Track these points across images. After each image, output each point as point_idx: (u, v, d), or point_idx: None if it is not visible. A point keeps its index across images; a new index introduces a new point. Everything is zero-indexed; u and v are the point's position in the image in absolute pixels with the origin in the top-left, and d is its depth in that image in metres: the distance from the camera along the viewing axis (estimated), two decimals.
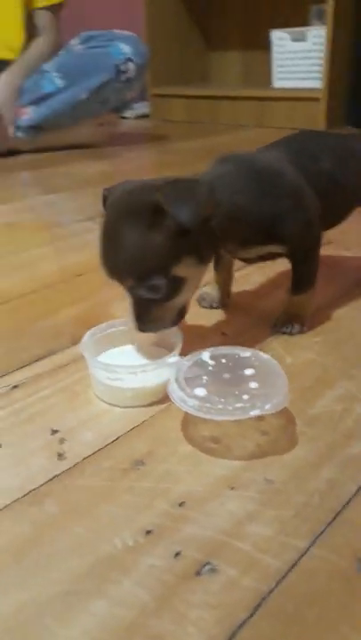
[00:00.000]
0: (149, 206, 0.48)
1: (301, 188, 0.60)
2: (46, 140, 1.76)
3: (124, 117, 2.55)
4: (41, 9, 1.73)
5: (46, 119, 1.70)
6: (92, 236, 1.04)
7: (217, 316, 0.71)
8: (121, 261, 0.50)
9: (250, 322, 0.69)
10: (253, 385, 0.46)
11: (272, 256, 0.64)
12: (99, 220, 1.00)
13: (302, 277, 0.64)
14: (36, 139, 1.75)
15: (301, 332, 0.65)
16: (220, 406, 0.44)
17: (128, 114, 2.55)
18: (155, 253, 0.49)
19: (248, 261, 0.65)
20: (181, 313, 0.55)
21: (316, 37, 2.21)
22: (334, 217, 0.69)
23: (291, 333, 0.65)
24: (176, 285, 0.51)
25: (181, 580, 0.35)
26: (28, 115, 1.69)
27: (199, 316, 0.71)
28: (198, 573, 0.36)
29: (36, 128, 1.72)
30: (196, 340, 0.63)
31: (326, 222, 0.67)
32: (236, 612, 0.33)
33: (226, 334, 0.66)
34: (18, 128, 1.71)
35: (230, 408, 0.43)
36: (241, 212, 0.55)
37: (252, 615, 0.33)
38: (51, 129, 1.74)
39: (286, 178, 0.59)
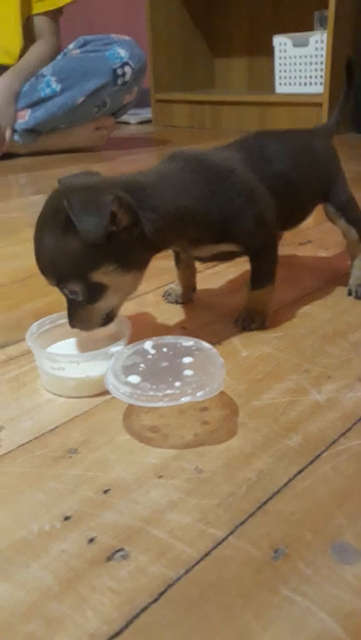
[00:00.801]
0: (62, 212, 0.47)
1: (252, 186, 0.59)
2: (43, 144, 1.78)
3: (126, 123, 2.57)
4: (39, 14, 1.76)
5: (43, 123, 1.72)
6: None
7: (181, 311, 0.71)
8: (43, 263, 0.51)
9: (212, 317, 0.69)
10: (189, 373, 0.45)
11: (229, 255, 0.63)
12: None
13: (259, 274, 0.64)
14: (32, 142, 1.76)
15: (262, 327, 0.65)
16: (150, 393, 0.43)
17: (131, 119, 2.57)
18: (69, 259, 0.49)
19: (203, 260, 0.65)
20: (110, 316, 0.54)
21: (318, 42, 2.20)
22: (293, 216, 0.68)
23: (251, 329, 0.64)
24: (96, 291, 0.51)
25: (90, 565, 0.35)
26: (25, 118, 1.71)
27: (163, 311, 0.71)
28: (109, 559, 0.35)
29: (32, 131, 1.74)
30: (155, 334, 0.62)
31: (285, 222, 0.67)
32: (138, 598, 0.33)
33: (186, 329, 0.66)
34: (15, 132, 1.73)
35: (160, 395, 0.43)
36: (186, 212, 0.54)
37: (155, 601, 0.33)
38: (48, 132, 1.76)
39: (236, 176, 0.58)
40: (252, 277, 0.64)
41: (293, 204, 0.66)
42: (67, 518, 0.38)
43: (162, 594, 0.33)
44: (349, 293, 0.73)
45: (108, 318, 0.54)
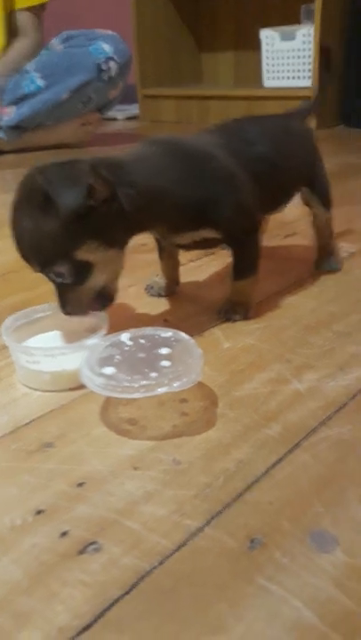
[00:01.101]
0: (38, 191, 0.47)
1: (233, 171, 0.58)
2: (29, 140, 1.76)
3: (114, 119, 2.56)
4: (22, 10, 1.74)
5: (28, 119, 1.70)
6: None
7: (163, 304, 0.70)
8: (25, 248, 0.50)
9: (195, 309, 0.68)
10: (166, 364, 0.45)
11: (211, 243, 0.62)
12: None
13: (242, 263, 0.63)
14: (18, 139, 1.75)
15: (245, 318, 0.64)
16: (125, 384, 0.42)
17: (118, 115, 2.56)
18: (52, 239, 0.48)
19: (186, 248, 0.64)
20: (105, 296, 0.53)
21: (306, 36, 2.20)
22: (275, 200, 0.68)
23: (234, 320, 0.64)
24: (83, 270, 0.50)
25: (62, 558, 0.34)
26: (10, 115, 1.70)
27: (145, 304, 0.70)
28: (81, 552, 0.35)
29: (17, 128, 1.72)
30: (137, 326, 0.61)
31: (267, 206, 0.66)
32: (110, 591, 0.32)
33: (168, 321, 0.65)
34: (0, 129, 1.71)
35: (136, 385, 0.42)
36: (163, 195, 0.54)
37: (127, 593, 0.32)
38: (33, 129, 1.74)
39: (216, 161, 0.57)
40: (234, 268, 0.63)
41: (277, 187, 0.66)
42: (39, 512, 0.38)
43: (134, 586, 0.32)
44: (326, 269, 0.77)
45: (104, 299, 0.53)
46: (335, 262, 0.77)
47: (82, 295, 0.52)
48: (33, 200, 0.48)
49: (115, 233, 0.51)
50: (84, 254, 0.49)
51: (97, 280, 0.52)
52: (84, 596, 0.32)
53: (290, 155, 0.66)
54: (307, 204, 0.73)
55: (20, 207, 0.49)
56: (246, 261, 0.63)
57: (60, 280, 0.51)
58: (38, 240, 0.49)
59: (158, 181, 0.53)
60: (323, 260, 0.77)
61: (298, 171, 0.68)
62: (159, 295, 0.72)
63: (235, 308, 0.64)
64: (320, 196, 0.72)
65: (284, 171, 0.65)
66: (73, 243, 0.48)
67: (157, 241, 0.68)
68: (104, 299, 0.53)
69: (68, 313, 0.53)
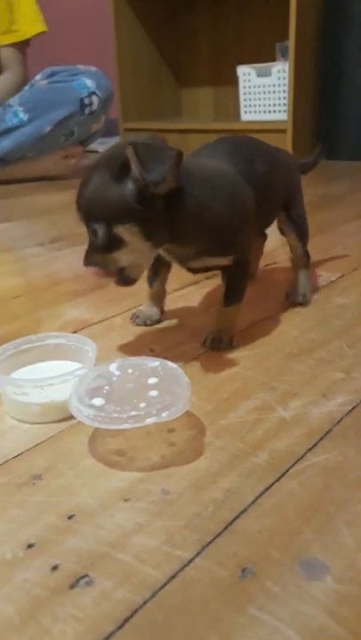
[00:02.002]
0: (119, 159, 0.51)
1: (250, 197, 0.61)
2: (11, 173, 1.78)
3: (96, 152, 2.60)
4: (5, 46, 1.78)
5: (11, 152, 1.72)
6: (37, 260, 1.05)
7: (149, 333, 0.71)
8: (82, 197, 0.54)
9: (181, 338, 0.69)
10: (154, 393, 0.45)
11: (213, 268, 0.64)
12: (47, 245, 1.03)
13: (233, 290, 0.65)
14: (1, 172, 1.77)
15: (230, 346, 0.65)
16: (114, 415, 0.43)
17: (100, 148, 2.60)
18: (105, 204, 0.53)
19: (195, 271, 0.65)
20: (123, 276, 0.56)
21: (281, 72, 2.28)
22: (264, 222, 0.70)
23: (220, 349, 0.65)
24: (115, 242, 0.54)
25: (53, 593, 0.34)
26: None
27: (131, 333, 0.71)
28: (72, 586, 0.34)
29: (1, 161, 1.74)
30: (123, 356, 0.62)
31: (258, 227, 0.69)
32: (102, 626, 0.32)
33: (154, 350, 0.66)
34: None
35: (125, 416, 0.42)
36: (210, 214, 0.56)
37: (120, 628, 0.32)
38: (15, 162, 1.77)
39: (238, 188, 0.61)
40: (225, 294, 0.65)
41: (268, 207, 0.68)
42: (30, 546, 0.37)
43: (127, 620, 0.32)
44: (293, 302, 0.76)
45: (122, 277, 0.57)
46: (300, 296, 0.77)
47: (105, 260, 0.55)
48: (110, 164, 0.52)
49: (157, 230, 0.54)
50: (122, 231, 0.53)
51: (123, 256, 0.55)
52: (76, 632, 0.31)
53: (277, 177, 0.69)
54: (283, 232, 0.76)
55: (97, 164, 0.54)
56: (237, 288, 0.65)
57: (93, 238, 0.54)
58: (95, 197, 0.53)
59: (208, 200, 0.57)
60: (291, 293, 0.78)
61: (281, 196, 0.71)
62: (144, 324, 0.72)
63: (220, 337, 0.65)
64: (297, 227, 0.75)
65: (275, 191, 0.68)
66: (120, 217, 0.52)
67: (156, 268, 0.70)
68: (126, 277, 0.57)
69: (85, 263, 0.56)
